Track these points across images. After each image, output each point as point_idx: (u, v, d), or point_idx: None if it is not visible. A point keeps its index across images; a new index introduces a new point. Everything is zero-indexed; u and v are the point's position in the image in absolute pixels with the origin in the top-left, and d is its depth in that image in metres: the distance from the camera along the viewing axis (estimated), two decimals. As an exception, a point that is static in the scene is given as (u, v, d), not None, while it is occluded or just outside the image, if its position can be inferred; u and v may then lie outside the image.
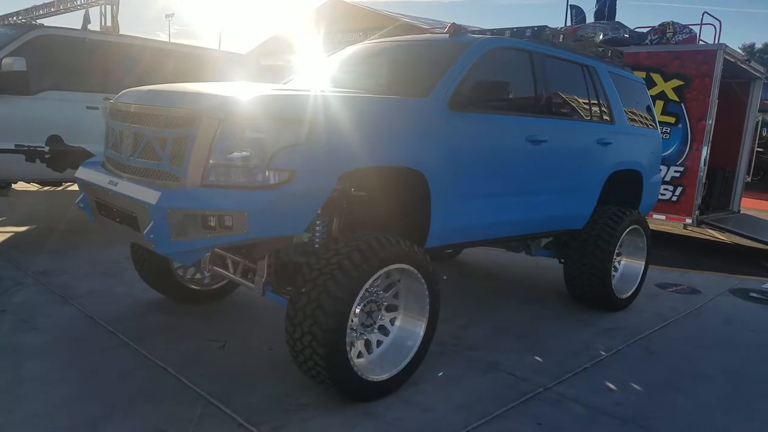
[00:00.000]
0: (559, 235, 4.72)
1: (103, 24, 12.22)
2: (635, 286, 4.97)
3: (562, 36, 4.53)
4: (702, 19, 8.60)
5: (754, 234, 7.95)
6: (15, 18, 15.91)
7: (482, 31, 4.46)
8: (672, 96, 7.95)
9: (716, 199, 9.00)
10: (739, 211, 9.45)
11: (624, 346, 4.10)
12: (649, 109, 5.50)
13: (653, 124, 5.50)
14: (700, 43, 8.34)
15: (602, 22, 9.70)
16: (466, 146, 3.45)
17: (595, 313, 4.73)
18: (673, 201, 7.93)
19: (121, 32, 10.57)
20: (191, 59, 6.74)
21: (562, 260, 4.83)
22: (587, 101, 4.55)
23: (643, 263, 5.07)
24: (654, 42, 8.58)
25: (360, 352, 3.08)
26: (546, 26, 4.40)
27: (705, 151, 7.73)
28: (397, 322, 3.24)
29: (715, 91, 7.61)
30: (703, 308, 5.15)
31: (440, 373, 3.40)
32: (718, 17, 8.51)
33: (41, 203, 7.91)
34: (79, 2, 13.45)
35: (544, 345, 4.00)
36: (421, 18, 26.77)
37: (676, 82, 7.92)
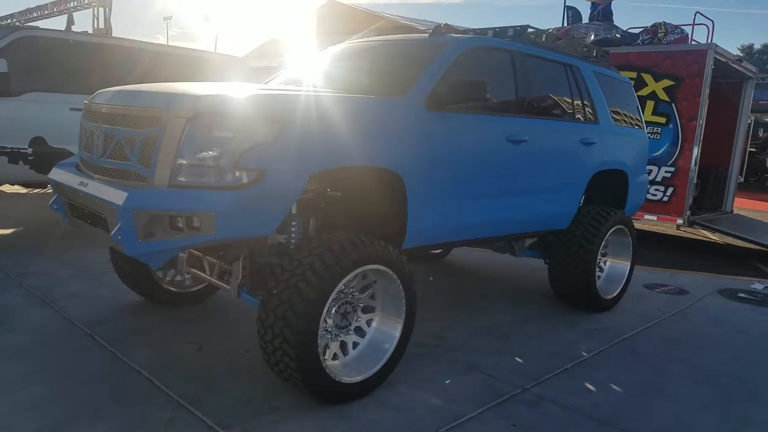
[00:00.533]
0: (544, 235, 4.69)
1: (95, 26, 12.23)
2: (621, 287, 4.94)
3: (544, 36, 4.51)
4: (694, 19, 8.57)
5: (745, 234, 7.92)
6: (10, 21, 15.93)
7: (465, 31, 4.44)
8: (663, 96, 7.94)
9: (708, 199, 8.98)
10: (731, 211, 9.43)
11: (607, 347, 4.07)
12: (635, 109, 5.47)
13: (639, 124, 5.48)
14: (693, 43, 8.32)
15: (595, 22, 9.69)
16: (443, 146, 3.42)
17: (580, 314, 4.70)
18: (664, 201, 7.91)
19: (117, 35, 10.56)
20: (178, 61, 6.72)
21: (547, 261, 4.80)
22: (570, 101, 4.53)
23: (629, 264, 5.04)
24: (646, 42, 8.57)
25: (335, 354, 3.05)
26: (528, 26, 4.38)
27: (696, 152, 7.71)
28: (374, 324, 3.22)
29: (705, 91, 7.60)
30: (690, 309, 5.13)
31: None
32: (715, 18, 8.50)
33: (25, 205, 7.88)
34: (72, 5, 13.47)
35: (526, 346, 3.98)
36: (419, 20, 26.76)
37: (666, 82, 7.91)
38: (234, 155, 2.58)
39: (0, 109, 5.27)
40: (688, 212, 7.78)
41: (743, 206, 11.45)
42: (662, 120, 7.92)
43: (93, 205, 2.86)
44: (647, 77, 8.01)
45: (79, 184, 2.97)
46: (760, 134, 18.53)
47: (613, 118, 4.95)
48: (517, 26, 4.27)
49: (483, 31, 4.36)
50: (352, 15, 26.32)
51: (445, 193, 3.48)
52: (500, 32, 4.28)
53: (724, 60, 7.93)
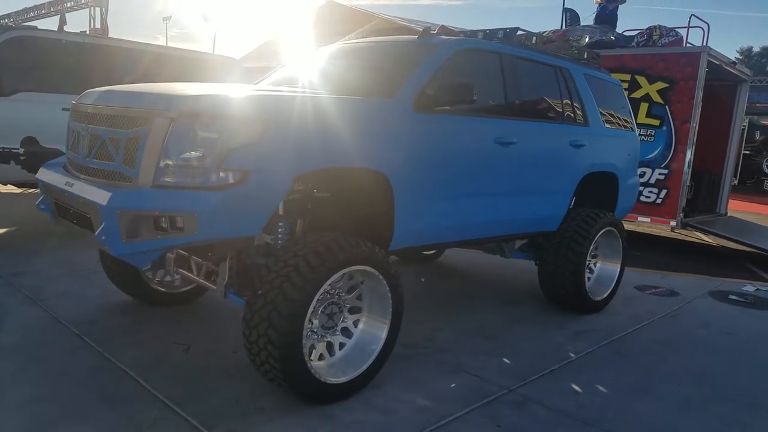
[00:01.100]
0: (534, 237, 4.70)
1: (92, 26, 12.23)
2: (610, 289, 4.95)
3: (534, 38, 4.52)
4: (689, 22, 8.58)
5: (739, 237, 7.93)
6: (6, 21, 15.91)
7: (454, 33, 4.45)
8: (657, 98, 7.95)
9: (702, 201, 8.99)
10: (726, 213, 9.44)
11: (595, 348, 4.08)
12: (626, 111, 5.48)
13: (630, 126, 5.49)
14: (688, 45, 8.33)
15: (591, 25, 9.70)
16: (431, 148, 3.43)
17: (570, 316, 4.71)
18: (658, 203, 7.92)
19: (117, 35, 10.56)
20: (172, 61, 6.72)
21: (537, 262, 4.81)
22: (560, 103, 4.54)
23: (619, 266, 5.05)
24: (640, 44, 8.58)
25: (321, 355, 3.06)
26: (518, 28, 4.39)
27: (689, 154, 7.72)
28: (361, 325, 3.22)
29: (699, 94, 7.61)
30: (680, 311, 5.14)
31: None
32: (714, 21, 8.57)
33: (18, 205, 7.87)
34: (68, 5, 13.46)
35: (515, 347, 3.98)
36: (418, 21, 26.76)
37: (660, 85, 7.92)
38: (218, 156, 2.59)
39: (-9, 110, 5.28)
40: (682, 214, 7.79)
41: (739, 209, 11.47)
42: (656, 122, 7.94)
43: (78, 205, 2.87)
44: (641, 79, 8.02)
45: (65, 184, 2.98)
46: (756, 137, 18.54)
47: (603, 120, 4.96)
48: (507, 28, 4.28)
49: (473, 33, 4.37)
50: (352, 16, 26.31)
51: (433, 195, 3.49)
52: (490, 34, 4.29)
53: (717, 63, 7.94)
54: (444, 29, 4.23)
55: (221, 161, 2.59)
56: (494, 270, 6.07)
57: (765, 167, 18.09)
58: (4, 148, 5.34)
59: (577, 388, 3.43)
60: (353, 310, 3.19)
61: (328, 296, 3.00)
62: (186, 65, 6.86)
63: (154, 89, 2.93)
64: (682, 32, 8.49)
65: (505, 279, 5.82)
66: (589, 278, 4.80)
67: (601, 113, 4.93)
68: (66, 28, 7.77)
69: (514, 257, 4.96)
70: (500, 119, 3.93)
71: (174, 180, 2.61)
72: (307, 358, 2.81)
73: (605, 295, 4.90)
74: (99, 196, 2.65)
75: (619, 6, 9.83)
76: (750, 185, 17.63)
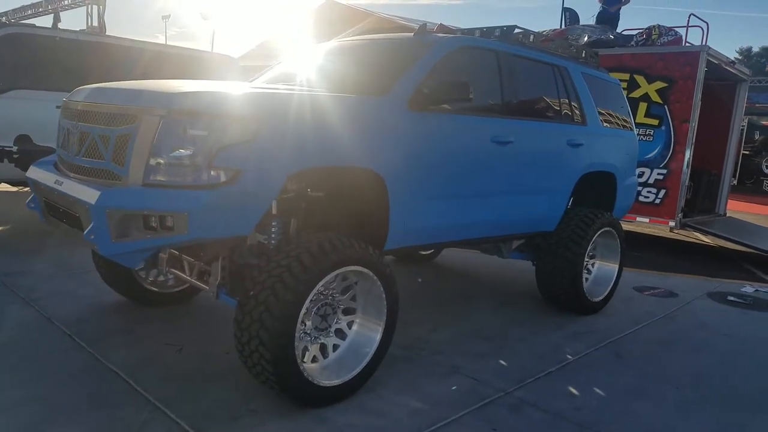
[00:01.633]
0: (531, 237, 4.65)
1: (89, 24, 12.15)
2: (609, 290, 4.91)
3: (532, 36, 4.48)
4: (688, 21, 8.54)
5: (738, 237, 7.89)
6: (4, 18, 15.85)
7: (453, 31, 4.40)
8: (655, 98, 7.91)
9: (701, 202, 8.95)
10: (725, 214, 9.41)
11: (592, 350, 4.04)
12: (625, 111, 5.44)
13: (629, 125, 5.45)
14: (687, 45, 8.29)
15: (591, 25, 9.66)
16: (426, 147, 3.38)
17: (567, 317, 4.66)
18: (657, 204, 7.88)
19: (116, 34, 10.49)
20: (168, 59, 6.68)
21: (535, 263, 4.76)
22: (557, 102, 4.50)
23: (617, 266, 5.01)
24: (639, 44, 8.54)
25: (315, 357, 3.02)
26: (515, 26, 4.35)
27: (688, 154, 7.68)
28: (355, 326, 3.18)
29: (698, 93, 7.56)
30: (678, 312, 5.10)
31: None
32: (714, 21, 8.51)
33: (11, 204, 7.82)
34: (66, 2, 13.38)
35: (512, 349, 3.94)
36: (417, 20, 26.68)
37: (659, 84, 7.88)
38: (209, 154, 2.54)
39: (-16, 107, 5.24)
40: (680, 215, 7.75)
41: (738, 209, 11.43)
42: (655, 122, 7.90)
43: (67, 204, 2.82)
44: (640, 79, 7.98)
45: (55, 183, 2.94)
46: (756, 137, 18.52)
47: (601, 119, 4.92)
48: (504, 26, 4.23)
49: (470, 31, 4.32)
50: (351, 15, 26.24)
51: (428, 194, 3.44)
52: (487, 32, 4.25)
53: (717, 62, 7.90)
54: (442, 28, 4.18)
55: (212, 159, 2.55)
56: (491, 270, 6.03)
57: (764, 167, 18.07)
58: (-3, 146, 5.30)
59: (574, 390, 3.38)
60: (347, 311, 3.15)
61: (322, 297, 2.96)
62: (184, 63, 6.81)
63: (144, 86, 2.88)
64: (682, 32, 8.46)
65: (502, 279, 5.78)
66: (586, 279, 4.76)
67: (599, 112, 4.89)
68: (63, 26, 7.72)
69: (512, 257, 4.91)
70: (497, 118, 3.88)
71: (164, 178, 2.56)
72: (299, 361, 2.77)
73: (603, 296, 4.86)
74: (88, 194, 2.61)
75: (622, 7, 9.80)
76: (749, 185, 17.60)
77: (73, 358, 3.32)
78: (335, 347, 3.11)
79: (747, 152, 17.37)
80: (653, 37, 8.50)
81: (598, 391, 3.40)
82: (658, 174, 7.89)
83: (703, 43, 8.18)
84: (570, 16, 11.35)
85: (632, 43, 8.64)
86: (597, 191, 5.02)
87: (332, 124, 2.93)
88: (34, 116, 5.48)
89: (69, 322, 3.80)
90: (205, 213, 2.50)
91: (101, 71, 5.65)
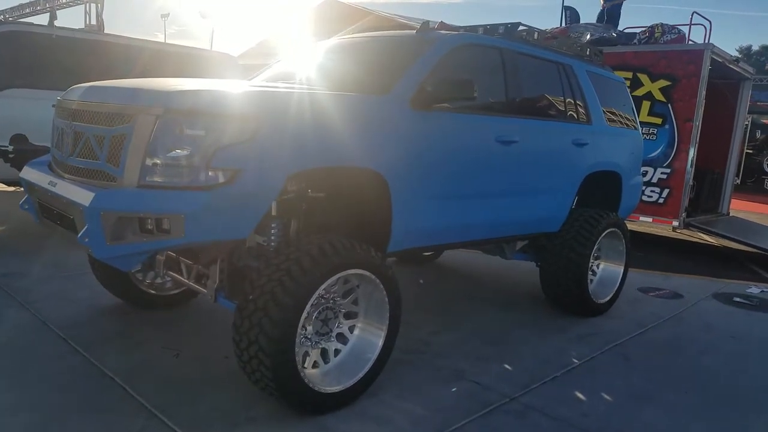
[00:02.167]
0: (535, 238, 4.58)
1: (87, 22, 12.09)
2: (614, 291, 4.84)
3: (536, 33, 4.40)
4: (691, 19, 8.45)
5: (742, 237, 7.82)
6: (1, 16, 15.78)
7: (455, 29, 4.32)
8: (659, 96, 7.83)
9: (705, 201, 8.87)
10: (728, 213, 9.33)
11: (599, 353, 3.96)
12: (629, 109, 5.36)
13: (634, 124, 5.37)
14: (690, 43, 8.21)
15: (593, 23, 9.58)
16: (429, 147, 3.31)
17: (572, 319, 4.59)
18: (660, 203, 7.81)
19: (116, 32, 10.41)
20: (165, 57, 6.59)
21: (539, 264, 4.69)
22: (562, 100, 4.42)
23: (622, 267, 4.93)
24: (642, 42, 8.46)
25: (315, 362, 2.94)
26: (520, 23, 4.27)
27: (692, 153, 7.61)
28: (357, 330, 3.10)
29: (702, 92, 7.49)
30: (684, 313, 5.02)
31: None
32: (713, 19, 8.35)
33: (7, 204, 7.74)
34: (65, 0, 13.33)
35: (516, 352, 3.86)
36: (418, 18, 26.58)
37: (663, 83, 7.80)
38: (206, 154, 2.47)
39: (-21, 106, 5.15)
40: (684, 214, 7.68)
41: (740, 208, 11.36)
42: (658, 121, 7.82)
43: (61, 205, 2.75)
44: (643, 77, 7.90)
45: (48, 184, 2.86)
46: (758, 136, 18.44)
47: (606, 118, 4.84)
48: (508, 23, 4.15)
49: (473, 29, 4.24)
50: (351, 13, 26.15)
51: (431, 195, 3.36)
52: (490, 29, 4.17)
53: (720, 60, 7.82)
54: (444, 25, 4.10)
55: (210, 160, 2.47)
56: (493, 271, 5.95)
57: (765, 166, 18.00)
58: (-8, 145, 5.22)
59: (580, 395, 3.31)
60: (349, 315, 3.07)
61: (323, 301, 2.88)
62: (183, 62, 6.73)
63: (140, 85, 2.80)
64: (684, 30, 8.37)
65: (505, 280, 5.70)
66: (591, 280, 4.68)
67: (604, 111, 4.81)
68: (61, 25, 7.64)
69: (515, 259, 4.84)
70: (501, 117, 3.80)
71: (160, 179, 2.49)
72: (300, 367, 2.69)
73: (608, 298, 4.78)
74: (82, 196, 2.53)
75: (623, 3, 9.71)
76: (750, 184, 17.54)
77: (68, 363, 3.25)
78: (336, 352, 3.03)
79: (750, 151, 17.31)
80: (656, 35, 8.42)
81: (605, 396, 3.33)
82: (662, 173, 7.81)
83: (706, 41, 8.10)
84: (570, 14, 11.27)
85: (635, 41, 8.56)
86: (602, 191, 4.94)
87: (333, 124, 2.85)
88: (31, 115, 5.39)
89: (64, 325, 3.72)
90: (202, 215, 2.43)
91: (99, 70, 5.57)
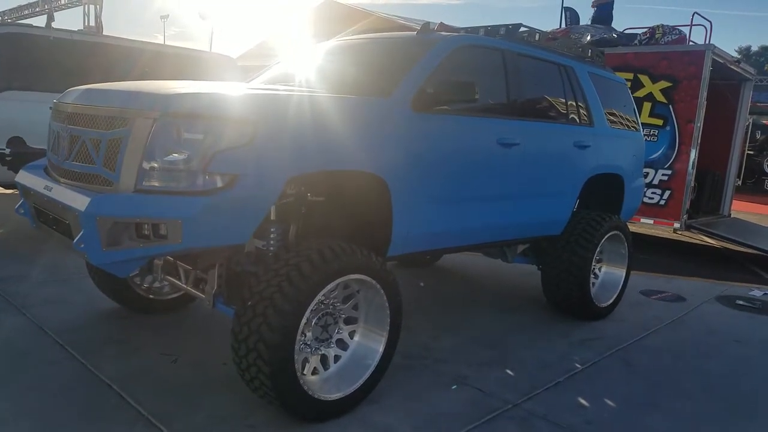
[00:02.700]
0: (537, 241, 4.54)
1: (86, 24, 12.05)
2: (616, 294, 4.80)
3: (537, 35, 4.36)
4: (692, 20, 8.41)
5: (744, 239, 7.78)
6: (1, 18, 15.75)
7: (456, 30, 4.28)
8: (660, 98, 7.79)
9: (706, 202, 8.83)
10: (729, 214, 9.29)
11: (601, 358, 3.92)
12: (631, 111, 5.33)
13: (636, 126, 5.33)
14: (691, 44, 8.18)
15: (594, 25, 9.55)
16: (430, 149, 3.26)
17: (574, 323, 4.55)
18: (661, 205, 7.77)
19: (115, 34, 10.39)
20: (164, 59, 6.55)
21: (541, 267, 4.65)
22: (564, 102, 4.38)
23: (625, 270, 4.89)
24: (643, 43, 8.42)
25: (315, 369, 2.90)
26: (521, 24, 4.23)
27: (693, 154, 7.57)
28: (357, 336, 3.06)
29: (703, 93, 7.45)
30: (687, 317, 4.98)
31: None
32: (713, 20, 8.32)
33: (4, 207, 7.69)
34: (63, 2, 13.29)
35: (517, 357, 3.82)
36: (417, 19, 26.56)
37: (663, 84, 7.76)
38: (204, 158, 2.42)
39: (-25, 109, 5.11)
40: (685, 216, 7.64)
41: (741, 209, 11.31)
42: (659, 122, 7.78)
43: (57, 210, 2.71)
44: (644, 78, 7.86)
45: (44, 188, 2.82)
46: (758, 136, 18.40)
47: (608, 120, 4.80)
48: (509, 25, 4.11)
49: (474, 30, 4.20)
50: (351, 14, 26.12)
51: (432, 199, 3.32)
52: (492, 31, 4.13)
53: (722, 61, 7.78)
54: (443, 27, 4.06)
55: (208, 164, 2.42)
56: (494, 274, 5.91)
57: (766, 167, 17.96)
58: (-11, 148, 5.18)
59: (584, 401, 3.27)
60: (349, 321, 3.03)
61: (323, 307, 2.83)
62: (182, 63, 6.69)
63: (137, 87, 2.76)
64: (685, 30, 8.33)
65: (506, 284, 5.66)
66: (594, 283, 4.64)
67: (605, 113, 4.77)
68: (60, 27, 7.60)
69: (517, 262, 4.80)
70: (503, 119, 3.76)
71: (157, 184, 2.44)
72: (299, 374, 2.65)
73: (611, 301, 4.74)
74: (78, 201, 2.49)
75: (613, 4, 9.68)
76: (750, 185, 17.50)
77: (65, 369, 3.20)
78: (336, 358, 2.99)
79: (750, 152, 17.27)
80: (657, 36, 8.39)
81: (609, 402, 3.28)
82: (663, 175, 7.77)
83: (707, 42, 8.06)
84: (570, 15, 11.25)
85: (636, 42, 8.52)
86: (604, 193, 4.90)
87: (333, 127, 2.81)
88: (28, 118, 5.34)
89: (61, 330, 3.68)
90: (200, 220, 2.38)
91: (98, 72, 5.53)
